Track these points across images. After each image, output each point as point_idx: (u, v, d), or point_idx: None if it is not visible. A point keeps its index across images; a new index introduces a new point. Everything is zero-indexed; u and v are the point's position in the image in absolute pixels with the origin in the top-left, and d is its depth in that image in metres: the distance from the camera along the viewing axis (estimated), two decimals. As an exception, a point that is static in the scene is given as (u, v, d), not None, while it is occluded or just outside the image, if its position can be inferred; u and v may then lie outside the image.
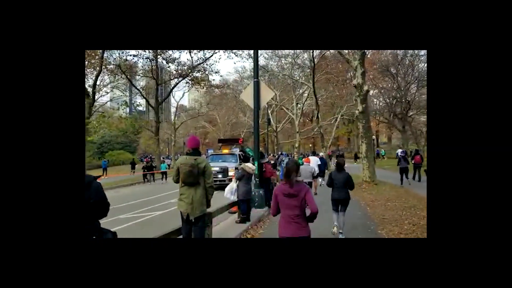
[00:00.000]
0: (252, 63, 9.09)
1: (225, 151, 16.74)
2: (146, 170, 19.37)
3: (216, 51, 24.90)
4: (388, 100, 32.97)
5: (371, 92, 28.68)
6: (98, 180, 2.29)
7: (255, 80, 8.09)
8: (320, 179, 12.78)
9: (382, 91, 32.94)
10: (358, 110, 13.60)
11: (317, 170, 10.63)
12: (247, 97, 8.48)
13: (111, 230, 2.39)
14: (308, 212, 3.00)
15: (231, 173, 12.92)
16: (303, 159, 11.17)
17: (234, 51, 24.38)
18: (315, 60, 22.97)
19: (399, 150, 21.58)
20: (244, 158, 7.13)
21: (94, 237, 2.19)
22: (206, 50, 24.53)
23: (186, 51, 25.48)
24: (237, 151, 16.40)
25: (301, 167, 9.22)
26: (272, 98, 22.92)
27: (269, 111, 31.72)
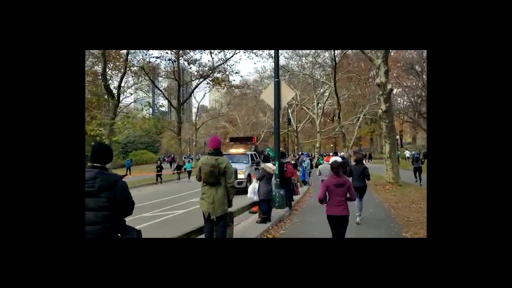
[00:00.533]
0: (272, 63, 9.07)
1: (235, 150, 14.52)
2: (159, 170, 19.54)
3: (237, 51, 25.11)
4: (412, 99, 31.98)
5: (394, 90, 27.93)
6: (123, 179, 2.35)
7: (275, 80, 8.06)
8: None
9: (407, 89, 31.99)
10: (381, 109, 13.27)
11: None
12: (268, 97, 8.46)
13: (136, 228, 2.46)
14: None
15: (240, 176, 11.96)
16: (324, 159, 12.09)
17: (254, 51, 24.47)
18: (337, 59, 22.61)
19: (407, 152, 22.03)
20: (265, 158, 7.11)
21: (119, 235, 2.25)
22: (226, 51, 24.75)
23: (207, 52, 25.82)
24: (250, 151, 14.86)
25: (320, 165, 9.46)
26: (292, 98, 22.82)
27: (289, 111, 31.56)
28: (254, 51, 24.49)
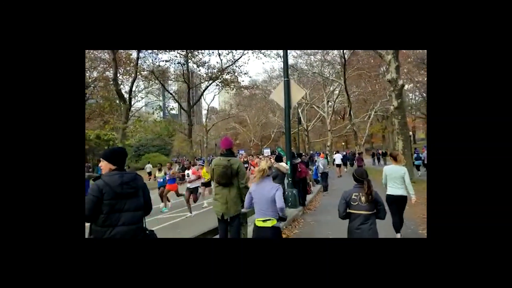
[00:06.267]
0: (281, 63, 9.01)
1: None
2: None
3: (245, 52, 25.16)
4: (425, 94, 31.44)
5: (406, 86, 27.50)
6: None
7: (285, 79, 8.04)
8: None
9: (418, 85, 31.49)
10: (393, 105, 13.10)
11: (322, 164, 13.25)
12: (278, 96, 8.45)
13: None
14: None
15: None
16: (320, 155, 15.86)
17: (262, 51, 24.46)
18: (346, 56, 22.42)
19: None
20: (277, 158, 7.10)
21: (147, 232, 2.41)
22: (235, 52, 24.83)
23: (215, 54, 25.94)
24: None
25: (320, 162, 12.50)
26: (302, 97, 22.72)
27: (299, 110, 31.43)
28: (262, 51, 24.50)
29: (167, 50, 22.87)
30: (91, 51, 27.17)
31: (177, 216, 8.67)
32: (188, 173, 9.10)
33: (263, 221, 3.20)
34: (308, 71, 30.69)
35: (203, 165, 10.42)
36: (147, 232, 2.46)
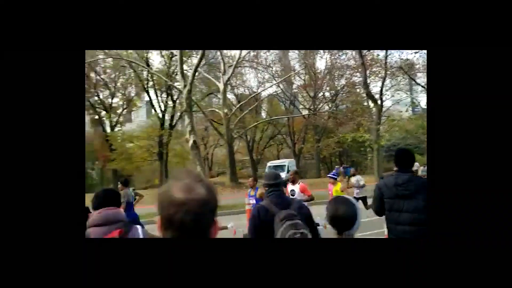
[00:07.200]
0: None
1: None
2: None
3: None
4: None
5: None
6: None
7: None
8: None
9: None
10: None
11: None
12: None
13: None
14: None
15: None
16: None
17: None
18: None
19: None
20: None
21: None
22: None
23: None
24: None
25: None
26: None
27: None
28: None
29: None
30: (336, 61, 29.65)
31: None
32: (293, 190, 5.55)
33: None
34: None
35: (335, 178, 6.33)
36: None
